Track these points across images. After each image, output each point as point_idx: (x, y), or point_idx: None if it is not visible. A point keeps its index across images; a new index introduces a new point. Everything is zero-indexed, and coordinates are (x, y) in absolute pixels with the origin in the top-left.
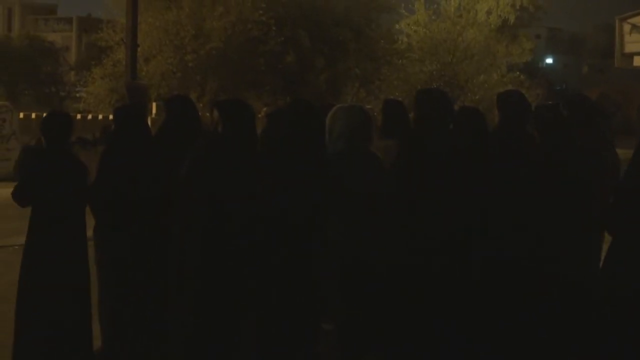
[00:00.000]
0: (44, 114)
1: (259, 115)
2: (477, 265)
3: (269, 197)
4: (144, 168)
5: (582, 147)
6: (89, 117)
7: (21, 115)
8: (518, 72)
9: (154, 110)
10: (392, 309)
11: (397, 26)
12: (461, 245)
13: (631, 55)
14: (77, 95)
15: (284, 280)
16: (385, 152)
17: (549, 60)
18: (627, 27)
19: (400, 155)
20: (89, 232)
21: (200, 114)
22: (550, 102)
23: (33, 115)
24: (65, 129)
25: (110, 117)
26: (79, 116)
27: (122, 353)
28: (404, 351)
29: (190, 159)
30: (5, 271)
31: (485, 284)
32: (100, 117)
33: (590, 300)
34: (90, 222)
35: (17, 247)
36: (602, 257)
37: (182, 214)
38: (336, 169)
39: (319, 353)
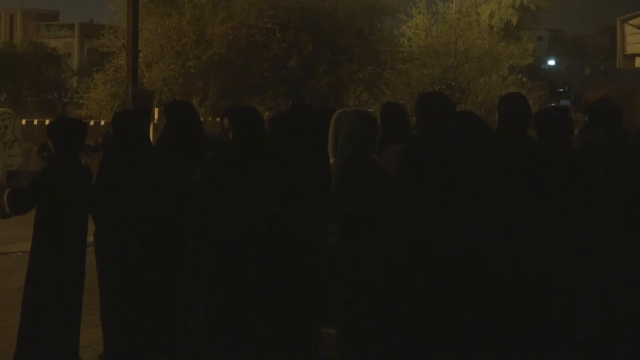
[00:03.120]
0: (48, 120)
1: None
2: (481, 267)
3: (271, 202)
4: (142, 173)
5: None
6: (91, 123)
7: (23, 121)
8: (520, 74)
9: (156, 116)
10: (393, 313)
11: (395, 32)
12: (463, 249)
13: (633, 57)
14: (80, 101)
15: (286, 284)
16: (388, 158)
17: (551, 62)
18: (628, 29)
19: (404, 159)
20: (90, 238)
21: (202, 118)
22: (553, 104)
23: (35, 122)
24: (74, 134)
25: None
26: None
27: (123, 358)
28: (404, 354)
29: (203, 167)
30: (7, 278)
31: (488, 286)
32: (102, 122)
33: (590, 300)
34: (91, 227)
35: (19, 253)
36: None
37: (194, 222)
38: (339, 175)
39: (320, 357)
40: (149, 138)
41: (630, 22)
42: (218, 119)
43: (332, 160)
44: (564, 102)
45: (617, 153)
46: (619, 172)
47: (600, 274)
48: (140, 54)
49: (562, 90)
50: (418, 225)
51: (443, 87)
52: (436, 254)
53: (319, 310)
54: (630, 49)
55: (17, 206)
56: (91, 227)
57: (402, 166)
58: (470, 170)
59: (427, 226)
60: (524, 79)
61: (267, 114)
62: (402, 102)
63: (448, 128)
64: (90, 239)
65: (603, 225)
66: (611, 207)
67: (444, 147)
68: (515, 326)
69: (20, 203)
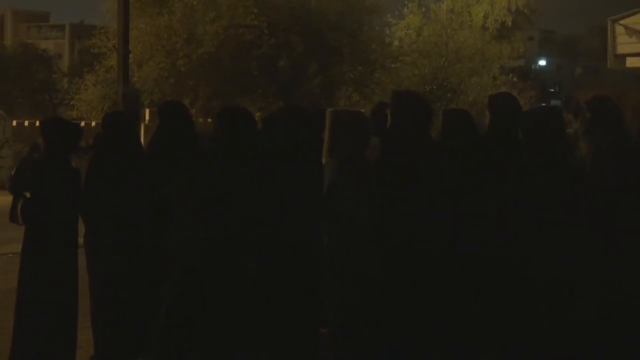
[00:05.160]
0: (39, 121)
1: None
2: (467, 267)
3: (265, 203)
4: (132, 174)
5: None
6: (82, 124)
7: (14, 122)
8: (511, 75)
9: (147, 117)
10: (386, 312)
11: (387, 31)
12: (453, 248)
13: (623, 57)
14: (71, 102)
15: (281, 285)
16: (371, 151)
17: (542, 62)
18: (619, 29)
19: (380, 159)
20: (80, 239)
21: (193, 119)
22: (544, 104)
23: (26, 123)
24: (67, 135)
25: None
26: None
27: (113, 359)
28: (398, 355)
29: (189, 167)
30: (0, 279)
31: (479, 285)
32: (93, 124)
33: (584, 300)
34: (81, 228)
35: (11, 255)
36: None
37: (180, 224)
38: (334, 175)
39: (316, 357)
40: (140, 139)
41: (621, 22)
42: (210, 120)
43: (325, 160)
44: (554, 103)
45: (620, 153)
46: (625, 170)
47: (590, 273)
48: (130, 54)
49: (553, 90)
50: (406, 226)
51: (434, 87)
52: (427, 254)
53: (316, 311)
54: (620, 49)
55: (29, 216)
56: (81, 229)
57: (380, 166)
58: (453, 170)
59: (417, 226)
60: (514, 79)
61: (258, 114)
62: None
63: (421, 127)
64: (80, 240)
65: (595, 225)
66: (610, 206)
67: (421, 147)
68: (509, 326)
69: (30, 214)
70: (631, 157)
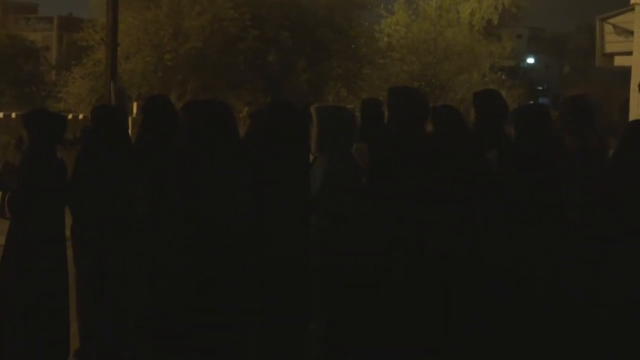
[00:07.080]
0: (24, 111)
1: (241, 115)
2: (454, 266)
3: (252, 199)
4: (120, 168)
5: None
6: (70, 116)
7: (1, 115)
8: (499, 72)
9: (134, 110)
10: (373, 309)
11: (376, 27)
12: (441, 246)
13: (612, 55)
14: (59, 95)
15: (269, 282)
16: (359, 154)
17: (531, 60)
18: (607, 27)
19: (375, 155)
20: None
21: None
22: (532, 102)
23: (13, 115)
24: (50, 127)
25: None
26: None
27: (99, 352)
28: (385, 351)
29: (156, 165)
30: None
31: (473, 284)
32: (80, 116)
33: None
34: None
35: None
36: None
37: (159, 220)
38: (322, 172)
39: (303, 352)
40: (128, 133)
41: (610, 20)
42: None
43: (313, 156)
44: (542, 101)
45: (593, 153)
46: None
47: (585, 272)
48: (118, 48)
49: (541, 88)
50: (401, 223)
51: (422, 84)
52: (421, 252)
53: (305, 307)
54: (609, 48)
55: (14, 209)
56: (68, 223)
57: (376, 164)
58: (446, 167)
59: (412, 224)
60: (503, 76)
61: (245, 109)
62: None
63: (421, 121)
64: (67, 232)
65: (576, 222)
66: (587, 208)
67: (419, 145)
68: (507, 325)
69: (15, 206)
70: (590, 160)
